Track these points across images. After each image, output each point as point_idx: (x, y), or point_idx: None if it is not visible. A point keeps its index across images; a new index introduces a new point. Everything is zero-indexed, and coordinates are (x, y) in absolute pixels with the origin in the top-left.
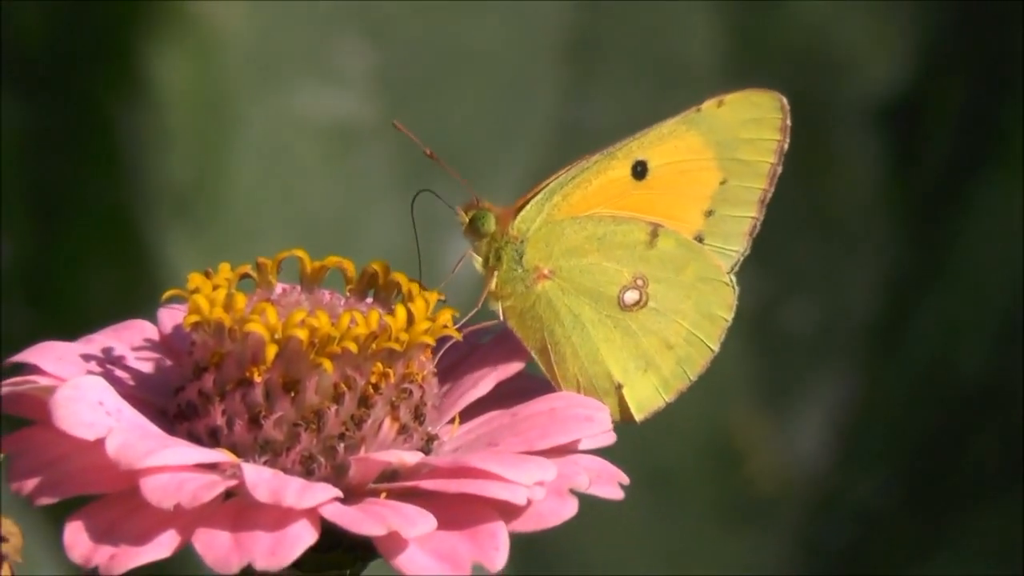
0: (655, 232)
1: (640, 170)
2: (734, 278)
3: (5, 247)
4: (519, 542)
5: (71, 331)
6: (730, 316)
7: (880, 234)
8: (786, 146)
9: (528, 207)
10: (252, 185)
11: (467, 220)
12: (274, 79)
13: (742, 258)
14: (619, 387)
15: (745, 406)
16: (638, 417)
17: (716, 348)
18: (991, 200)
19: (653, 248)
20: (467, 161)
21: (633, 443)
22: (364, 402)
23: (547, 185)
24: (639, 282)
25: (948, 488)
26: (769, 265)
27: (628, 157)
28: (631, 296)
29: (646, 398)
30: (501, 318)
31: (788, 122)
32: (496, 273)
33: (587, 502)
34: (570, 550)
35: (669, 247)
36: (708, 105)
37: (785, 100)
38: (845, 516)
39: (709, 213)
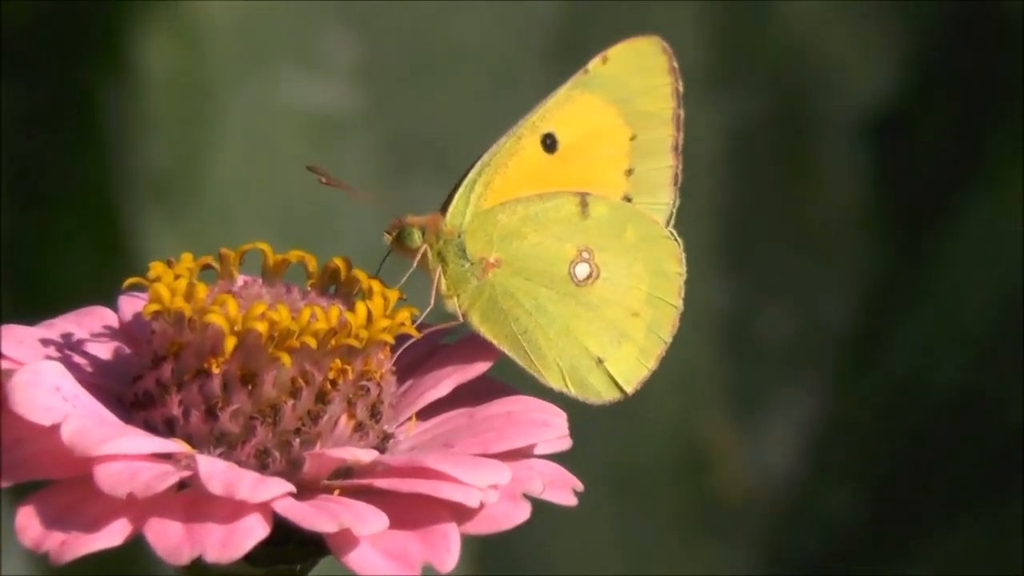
0: (584, 201)
1: (550, 143)
2: (674, 231)
3: None
4: (484, 542)
5: (47, 312)
6: (682, 269)
7: (860, 246)
8: (680, 88)
9: (454, 201)
10: (232, 172)
11: (392, 238)
12: (259, 67)
13: (674, 209)
14: (600, 361)
15: (715, 413)
16: (628, 389)
17: (679, 305)
18: (974, 216)
19: (588, 218)
20: (448, 154)
21: (602, 446)
22: (321, 398)
23: (466, 176)
24: (585, 255)
25: (917, 503)
26: (746, 273)
27: (534, 133)
28: (582, 270)
29: (630, 368)
30: (461, 320)
31: (675, 64)
32: (444, 273)
33: (553, 504)
34: (535, 551)
35: (603, 213)
36: (594, 64)
37: (666, 43)
38: (812, 528)
39: (629, 172)
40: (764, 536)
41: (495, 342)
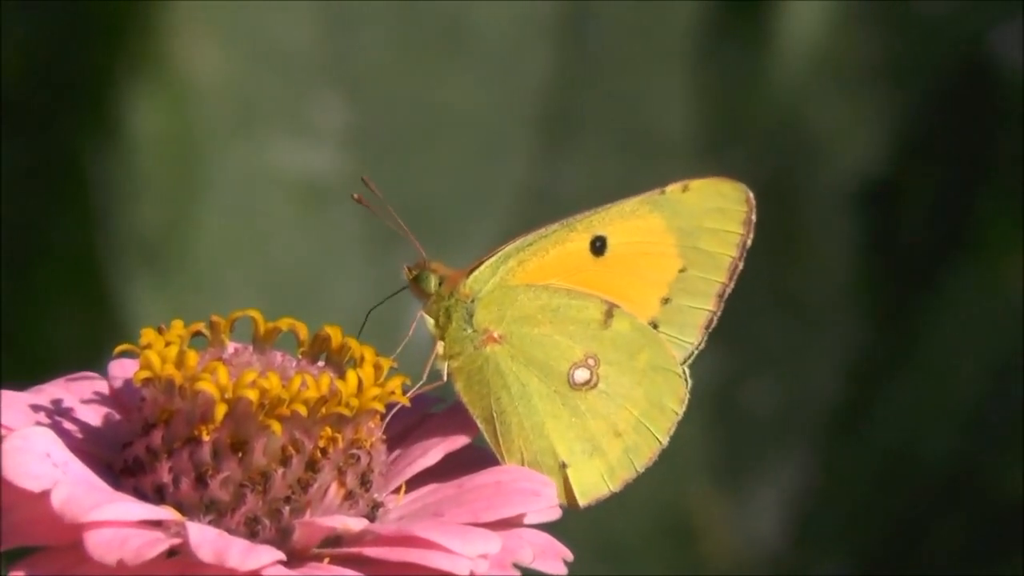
0: (610, 312)
1: (599, 246)
2: (687, 370)
3: None
4: None
5: (35, 375)
6: (681, 409)
7: (848, 317)
8: (749, 241)
9: (482, 268)
10: (221, 236)
11: (411, 278)
12: (248, 131)
13: (696, 351)
14: (564, 466)
15: (702, 484)
16: (582, 502)
17: (664, 441)
18: (962, 286)
19: (607, 328)
20: (436, 222)
21: (588, 517)
22: (311, 466)
23: (503, 248)
24: (590, 361)
25: (904, 574)
26: (733, 343)
27: (588, 231)
28: (581, 375)
29: (591, 484)
30: (445, 379)
31: (753, 216)
32: (444, 333)
33: (537, 574)
34: None
35: (624, 330)
36: (673, 189)
37: (751, 194)
38: None
39: (666, 300)
40: None
41: (469, 409)
